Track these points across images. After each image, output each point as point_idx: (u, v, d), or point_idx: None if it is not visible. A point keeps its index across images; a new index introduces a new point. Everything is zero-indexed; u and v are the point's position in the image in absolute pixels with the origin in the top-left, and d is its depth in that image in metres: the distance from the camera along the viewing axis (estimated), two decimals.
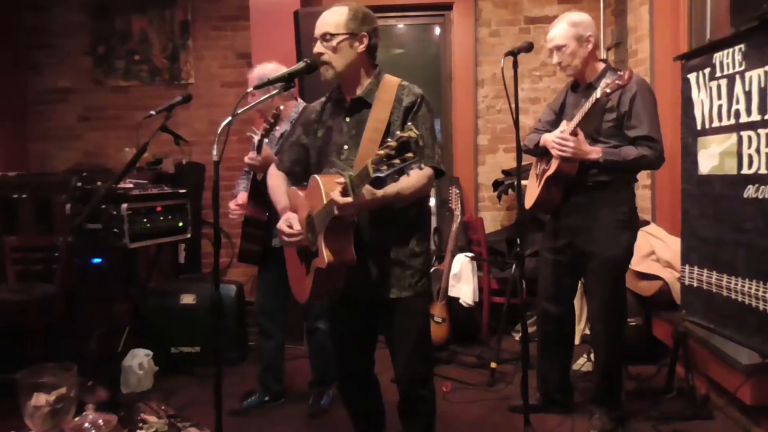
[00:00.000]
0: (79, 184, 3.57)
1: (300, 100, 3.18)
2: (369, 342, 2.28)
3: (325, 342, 3.18)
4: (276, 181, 2.29)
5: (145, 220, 3.56)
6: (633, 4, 4.33)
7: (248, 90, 2.05)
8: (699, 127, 2.23)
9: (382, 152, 1.67)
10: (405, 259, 2.08)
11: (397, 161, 1.65)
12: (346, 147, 2.09)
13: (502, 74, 2.56)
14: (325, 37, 2.05)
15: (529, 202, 3.01)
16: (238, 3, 4.95)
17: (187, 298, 3.97)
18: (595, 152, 2.65)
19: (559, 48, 2.75)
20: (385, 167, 1.67)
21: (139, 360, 3.63)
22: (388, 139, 1.67)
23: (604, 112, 2.68)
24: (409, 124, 1.69)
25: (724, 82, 2.09)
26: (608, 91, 2.48)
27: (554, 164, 2.75)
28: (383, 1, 4.67)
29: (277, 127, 3.15)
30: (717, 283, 2.16)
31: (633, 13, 4.33)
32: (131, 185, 3.67)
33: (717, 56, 2.11)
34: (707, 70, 2.17)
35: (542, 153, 2.91)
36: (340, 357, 2.32)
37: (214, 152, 1.96)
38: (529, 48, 2.67)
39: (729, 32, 3.63)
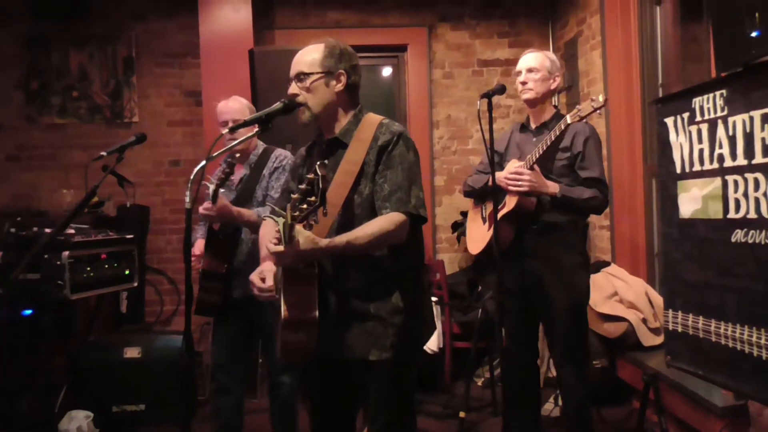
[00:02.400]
0: (13, 229, 3.27)
1: (260, 143, 3.01)
2: (349, 409, 2.07)
3: (290, 398, 2.98)
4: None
5: (88, 268, 3.30)
6: (584, 49, 4.44)
7: (223, 131, 1.90)
8: (678, 171, 2.22)
9: (295, 196, 1.57)
10: (386, 315, 1.87)
11: (304, 206, 1.55)
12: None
13: (478, 115, 2.51)
14: (299, 77, 1.92)
15: (476, 246, 2.93)
16: (186, 40, 4.78)
17: (132, 352, 3.66)
18: (552, 187, 2.64)
19: (530, 70, 2.77)
20: (297, 213, 1.56)
21: (77, 423, 3.32)
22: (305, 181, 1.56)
23: (558, 152, 2.70)
24: (318, 163, 1.59)
25: (705, 127, 2.09)
26: (581, 115, 2.47)
27: (511, 201, 2.69)
28: None
29: (231, 176, 2.98)
30: (704, 329, 2.12)
31: (584, 57, 4.44)
32: (72, 231, 3.39)
33: (696, 101, 2.11)
34: (686, 114, 2.17)
35: (488, 193, 2.85)
36: (316, 426, 2.10)
37: (187, 198, 1.80)
38: (502, 90, 2.65)
39: (679, 77, 3.79)
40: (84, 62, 4.82)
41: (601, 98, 2.40)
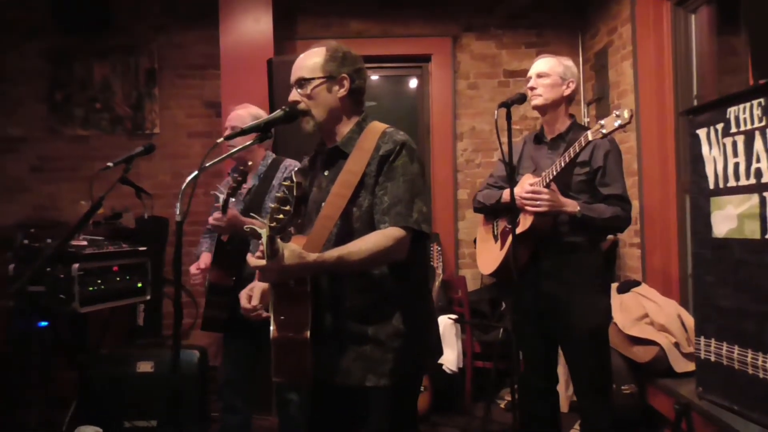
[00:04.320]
0: (26, 241, 3.24)
1: (269, 152, 2.93)
2: None
3: (298, 416, 2.87)
4: None
5: (99, 281, 3.24)
6: (614, 59, 4.27)
7: (218, 140, 1.81)
8: (712, 187, 2.06)
9: (273, 205, 1.48)
10: (386, 339, 1.75)
11: (281, 216, 1.46)
12: (324, 204, 1.81)
13: (496, 126, 2.38)
14: (300, 83, 1.82)
15: (488, 266, 2.76)
16: (207, 51, 4.75)
17: (145, 366, 3.59)
18: (571, 205, 2.46)
19: (540, 75, 2.62)
20: (275, 224, 1.47)
21: None
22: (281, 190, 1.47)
23: (575, 166, 2.51)
24: (295, 170, 1.50)
25: (740, 139, 1.93)
26: (604, 132, 2.27)
27: (526, 221, 2.51)
28: (359, 52, 4.51)
29: (244, 184, 2.91)
30: (740, 359, 1.95)
31: (614, 68, 4.27)
32: (84, 243, 3.35)
33: (731, 111, 1.96)
34: (720, 126, 2.01)
35: (501, 210, 2.70)
36: None
37: (177, 210, 1.71)
38: (522, 99, 2.51)
39: (715, 89, 3.59)
40: (107, 74, 4.83)
41: (626, 114, 2.19)
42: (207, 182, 4.07)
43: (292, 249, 1.58)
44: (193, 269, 2.84)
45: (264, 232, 1.53)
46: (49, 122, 4.80)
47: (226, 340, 2.96)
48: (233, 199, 2.63)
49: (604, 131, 2.27)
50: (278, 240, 1.53)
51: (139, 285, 3.53)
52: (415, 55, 4.89)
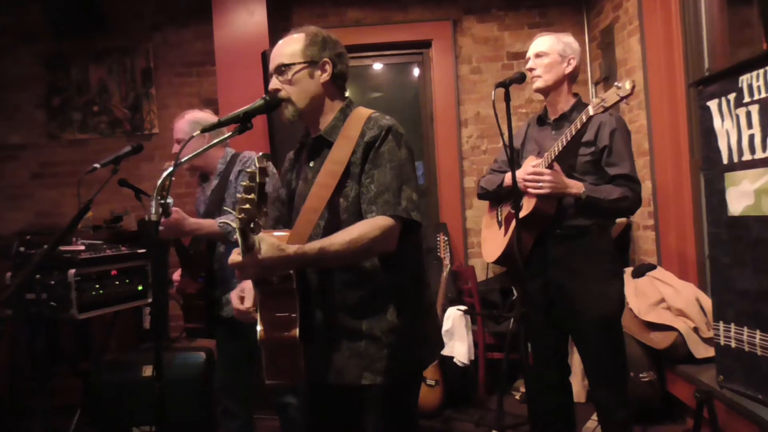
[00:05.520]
0: (22, 248, 3.17)
1: (228, 149, 2.78)
2: None
3: (298, 418, 2.79)
4: None
5: (97, 286, 3.17)
6: (621, 36, 4.11)
7: (194, 134, 1.72)
8: (725, 161, 1.93)
9: (240, 196, 1.38)
10: (380, 334, 1.66)
11: (247, 206, 1.36)
12: (308, 196, 1.71)
13: (494, 106, 2.25)
14: (280, 69, 1.73)
15: (492, 254, 2.64)
16: (202, 48, 4.67)
17: (150, 370, 3.51)
18: (576, 186, 2.33)
19: (539, 55, 2.48)
20: (243, 215, 1.37)
21: None
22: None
23: (580, 146, 2.39)
24: (258, 155, 1.41)
25: (755, 109, 1.79)
26: (606, 105, 2.14)
27: (529, 204, 2.39)
28: (357, 41, 4.44)
29: (205, 184, 2.81)
30: (762, 345, 1.82)
31: (621, 45, 4.12)
32: (82, 247, 3.28)
33: (743, 79, 1.82)
34: (732, 96, 1.88)
35: (504, 195, 2.58)
36: None
37: (152, 210, 1.63)
38: (521, 78, 2.37)
39: (727, 60, 3.43)
40: (103, 76, 4.77)
41: (627, 85, 2.07)
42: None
43: (270, 242, 1.48)
44: (175, 276, 2.74)
45: (235, 226, 1.44)
46: (48, 128, 4.75)
47: (218, 346, 2.87)
48: (171, 199, 2.49)
49: (605, 105, 2.14)
50: (251, 234, 1.43)
51: (140, 288, 3.45)
52: (415, 41, 4.75)
